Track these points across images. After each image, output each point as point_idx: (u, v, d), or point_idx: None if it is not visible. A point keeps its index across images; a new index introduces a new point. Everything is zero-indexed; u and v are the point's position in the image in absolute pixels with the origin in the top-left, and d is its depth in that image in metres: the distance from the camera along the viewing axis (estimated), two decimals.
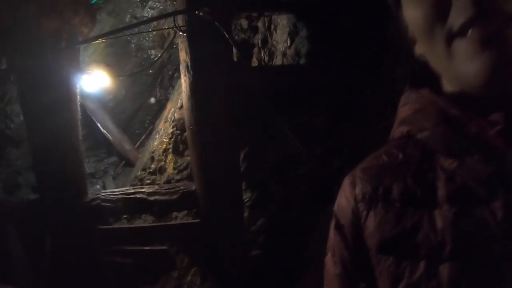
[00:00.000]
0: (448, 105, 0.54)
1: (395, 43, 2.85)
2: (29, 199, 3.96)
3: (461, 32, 0.49)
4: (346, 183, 0.65)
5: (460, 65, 0.50)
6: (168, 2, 6.04)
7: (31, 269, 3.96)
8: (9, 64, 4.02)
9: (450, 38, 0.50)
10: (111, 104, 6.56)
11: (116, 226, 3.93)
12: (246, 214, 3.57)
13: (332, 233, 0.66)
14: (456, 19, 0.49)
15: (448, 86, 0.58)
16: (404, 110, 0.63)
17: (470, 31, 0.48)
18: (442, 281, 0.50)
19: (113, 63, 6.15)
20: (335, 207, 0.66)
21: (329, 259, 0.67)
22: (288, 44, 3.69)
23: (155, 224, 4.03)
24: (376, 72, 3.11)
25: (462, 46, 0.49)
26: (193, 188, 3.40)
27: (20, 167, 5.71)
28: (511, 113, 0.50)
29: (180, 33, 2.93)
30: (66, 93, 3.40)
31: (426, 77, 0.61)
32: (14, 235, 3.87)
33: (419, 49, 0.61)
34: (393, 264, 0.54)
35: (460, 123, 0.52)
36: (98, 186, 6.03)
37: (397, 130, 0.64)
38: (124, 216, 4.41)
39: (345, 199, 0.64)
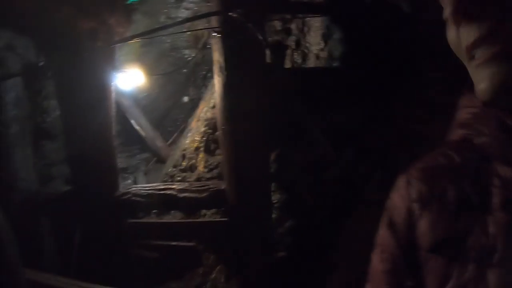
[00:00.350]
0: (505, 115, 0.55)
1: (425, 47, 2.80)
2: (62, 191, 4.08)
3: (470, 55, 0.54)
4: (401, 181, 0.65)
5: (475, 84, 0.54)
6: (203, 3, 6.11)
7: (61, 258, 4.10)
8: (47, 61, 4.17)
9: (469, 58, 0.54)
10: (145, 102, 6.70)
11: (145, 220, 4.01)
12: (274, 215, 3.58)
13: (382, 230, 0.67)
14: (465, 41, 0.53)
15: None
16: (462, 113, 0.63)
17: (476, 52, 0.53)
18: (490, 286, 0.50)
19: (148, 62, 6.27)
20: (388, 204, 0.67)
21: (376, 256, 0.67)
22: (322, 46, 3.68)
23: (183, 221, 4.08)
24: (406, 75, 3.05)
25: (472, 66, 0.54)
26: (223, 187, 3.43)
27: (54, 159, 5.90)
28: None
29: (214, 34, 2.96)
30: (102, 90, 3.51)
31: None
32: (46, 225, 4.02)
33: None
34: (442, 264, 0.55)
35: None
36: (129, 181, 6.16)
37: (455, 133, 0.63)
38: (154, 211, 4.50)
39: (400, 197, 0.64)
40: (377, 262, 0.67)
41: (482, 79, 0.52)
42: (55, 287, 1.80)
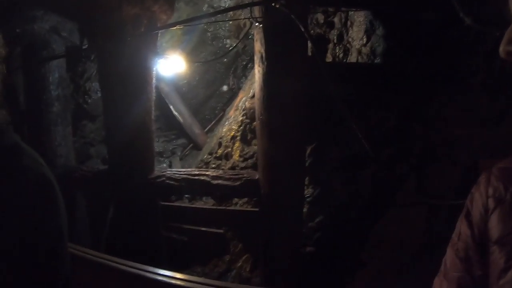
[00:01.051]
0: None
1: (472, 49, 2.69)
2: (98, 169, 4.22)
3: None
4: (482, 178, 0.71)
5: None
6: None
7: (92, 234, 4.26)
8: (90, 45, 4.30)
9: None
10: (184, 89, 6.81)
11: (177, 204, 4.09)
12: (305, 210, 3.57)
13: (461, 222, 0.73)
14: None
15: None
16: None
17: None
18: None
19: (189, 50, 6.36)
20: (469, 198, 0.73)
21: (452, 247, 0.74)
22: (364, 41, 3.60)
23: (215, 208, 4.14)
24: (452, 77, 2.95)
25: None
26: (257, 177, 3.43)
27: (93, 139, 6.12)
28: None
29: (256, 24, 2.95)
30: (143, 75, 3.58)
31: None
32: (81, 201, 4.18)
33: None
34: (503, 257, 0.61)
35: None
36: (164, 165, 6.31)
37: None
38: (186, 195, 4.58)
39: (479, 193, 0.70)
40: (452, 252, 0.72)
41: None
42: (89, 260, 1.88)
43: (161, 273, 1.98)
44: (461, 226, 0.71)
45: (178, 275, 1.98)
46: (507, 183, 0.64)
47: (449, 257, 0.72)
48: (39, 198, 1.01)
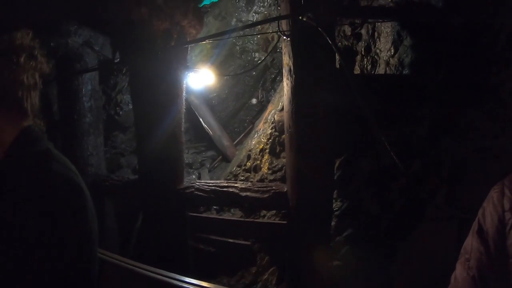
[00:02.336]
0: None
1: (504, 57, 2.62)
2: (128, 179, 4.30)
3: None
4: (495, 191, 0.69)
5: None
6: (273, 8, 6.19)
7: (120, 241, 4.34)
8: (122, 58, 4.43)
9: None
10: (214, 102, 6.92)
11: (205, 215, 4.12)
12: (333, 223, 3.53)
13: (472, 238, 0.70)
14: None
15: None
16: None
17: None
18: None
19: (218, 63, 6.48)
20: (480, 213, 0.71)
21: (462, 264, 0.70)
22: (392, 53, 3.58)
23: (243, 219, 4.15)
24: (482, 87, 2.88)
25: None
26: (285, 189, 3.43)
27: (124, 150, 6.29)
28: None
29: (284, 37, 2.98)
30: (173, 88, 3.66)
31: None
32: (110, 208, 4.27)
33: None
34: None
35: None
36: (193, 176, 6.39)
37: None
38: (214, 207, 4.62)
39: (492, 206, 0.68)
40: (462, 270, 0.70)
41: None
42: (117, 265, 1.94)
43: (188, 281, 2.01)
44: (473, 243, 0.66)
45: (204, 284, 2.01)
46: None
47: (460, 275, 0.68)
48: (67, 202, 1.07)
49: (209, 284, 2.10)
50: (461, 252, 0.68)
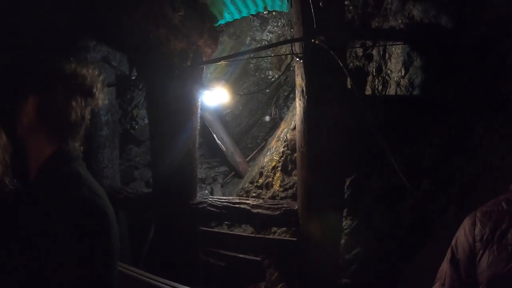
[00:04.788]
0: None
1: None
2: (142, 192, 4.38)
3: None
4: (467, 222, 0.73)
5: None
6: (286, 28, 6.31)
7: (132, 253, 4.40)
8: (138, 75, 4.56)
9: None
10: (227, 118, 7.03)
11: (216, 230, 4.18)
12: (343, 241, 3.56)
13: (446, 266, 0.74)
14: None
15: None
16: None
17: None
18: None
19: (232, 81, 6.60)
20: (453, 242, 0.75)
21: (439, 285, 0.73)
22: (402, 73, 3.64)
23: (253, 235, 4.20)
24: (492, 106, 2.92)
25: None
26: (296, 207, 3.48)
27: (138, 163, 6.40)
28: None
29: (297, 59, 3.07)
30: (189, 106, 3.77)
31: None
32: (123, 220, 4.35)
33: None
34: None
35: None
36: (206, 191, 6.47)
37: None
38: (226, 222, 4.68)
39: (464, 237, 0.72)
40: None
41: None
42: (129, 276, 2.02)
43: None
44: (446, 270, 0.71)
45: None
46: (492, 226, 0.66)
47: None
48: (91, 226, 1.13)
49: None
50: (437, 276, 0.74)
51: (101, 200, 1.21)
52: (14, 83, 1.30)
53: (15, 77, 1.31)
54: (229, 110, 6.98)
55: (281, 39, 6.22)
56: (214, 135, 6.69)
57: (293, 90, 6.68)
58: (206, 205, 3.73)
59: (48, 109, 1.25)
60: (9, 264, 1.14)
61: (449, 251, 0.71)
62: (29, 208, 1.19)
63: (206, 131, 6.60)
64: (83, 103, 1.29)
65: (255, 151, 6.84)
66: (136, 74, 4.69)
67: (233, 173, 6.73)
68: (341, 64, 2.83)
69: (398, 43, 3.56)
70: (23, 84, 1.27)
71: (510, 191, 0.70)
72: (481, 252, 0.65)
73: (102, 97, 1.35)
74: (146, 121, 5.68)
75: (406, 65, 3.61)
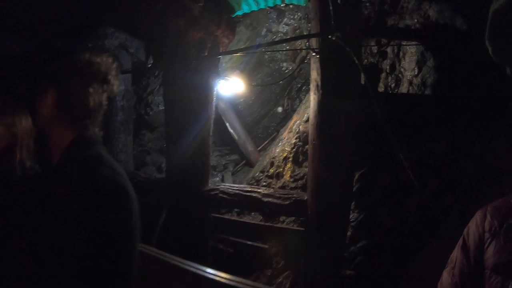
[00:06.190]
0: None
1: None
2: (155, 177, 4.46)
3: None
4: (478, 215, 0.85)
5: None
6: (302, 21, 6.33)
7: (143, 236, 4.52)
8: (155, 63, 4.63)
9: None
10: (240, 107, 7.10)
11: (227, 217, 4.28)
12: (349, 233, 3.64)
13: (457, 251, 0.86)
14: None
15: None
16: None
17: None
18: None
19: (246, 71, 6.65)
20: (465, 231, 0.88)
21: (448, 271, 0.85)
22: (415, 72, 3.68)
23: (262, 224, 4.29)
24: (504, 109, 2.96)
25: None
26: (305, 198, 3.56)
27: (150, 148, 6.51)
28: None
29: (313, 54, 3.13)
30: (205, 95, 3.85)
31: None
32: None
33: None
34: (500, 281, 0.75)
35: None
36: (217, 179, 6.57)
37: None
38: (236, 210, 4.77)
39: (475, 227, 0.84)
40: (447, 276, 0.85)
41: None
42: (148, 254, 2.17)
43: (208, 270, 2.22)
44: (457, 255, 0.81)
45: (222, 274, 2.21)
46: (500, 220, 0.76)
47: (445, 281, 0.82)
48: (114, 204, 1.19)
49: (225, 274, 2.31)
50: (448, 262, 0.84)
51: (124, 179, 1.26)
52: (30, 77, 1.32)
53: (31, 71, 1.32)
54: (242, 100, 7.05)
55: (297, 32, 6.24)
56: (227, 124, 6.77)
57: (306, 83, 6.72)
58: (218, 192, 3.82)
59: (67, 100, 1.29)
60: (33, 247, 1.19)
61: (461, 238, 0.82)
62: (53, 191, 1.23)
63: (218, 119, 6.67)
64: (99, 90, 1.33)
65: (266, 141, 6.91)
66: (153, 62, 4.77)
67: (244, 161, 6.82)
68: (356, 61, 2.89)
69: (413, 42, 3.59)
70: (40, 78, 1.31)
71: None
72: (489, 241, 0.76)
73: (117, 83, 1.39)
74: (161, 107, 5.78)
75: (420, 64, 3.65)
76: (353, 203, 3.67)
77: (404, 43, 3.79)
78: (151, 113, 6.34)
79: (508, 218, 0.75)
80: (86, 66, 1.31)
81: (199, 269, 2.27)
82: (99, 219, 1.14)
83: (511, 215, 0.76)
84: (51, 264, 1.15)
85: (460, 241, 0.81)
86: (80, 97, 1.30)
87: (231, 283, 2.22)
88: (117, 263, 1.18)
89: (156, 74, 5.85)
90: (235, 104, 7.00)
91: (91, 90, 1.31)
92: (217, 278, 2.24)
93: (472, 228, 0.81)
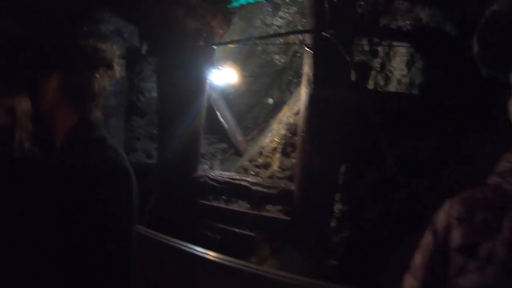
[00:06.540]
0: None
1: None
2: (146, 163, 4.48)
3: None
4: (448, 203, 0.98)
5: None
6: (297, 15, 6.38)
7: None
8: (150, 50, 4.66)
9: None
10: (230, 97, 7.12)
11: (215, 204, 4.35)
12: (333, 224, 3.75)
13: (427, 234, 0.98)
14: None
15: None
16: (502, 165, 0.93)
17: None
18: (490, 275, 0.81)
19: (239, 61, 6.68)
20: (435, 217, 0.98)
21: (419, 252, 0.99)
22: (404, 72, 3.79)
23: (249, 211, 4.38)
24: (490, 111, 3.07)
25: None
26: (292, 188, 3.67)
27: (140, 134, 6.50)
28: None
29: (307, 49, 3.23)
30: (198, 84, 3.92)
31: None
32: None
33: None
34: (462, 260, 0.86)
35: None
36: (206, 166, 6.62)
37: (493, 179, 0.91)
38: (223, 197, 4.85)
39: (444, 213, 0.96)
40: (419, 257, 0.98)
41: None
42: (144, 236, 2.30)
43: (198, 249, 2.51)
44: (427, 237, 0.94)
45: (211, 252, 2.48)
46: (466, 208, 0.89)
47: (417, 260, 0.95)
48: (117, 185, 1.24)
49: (213, 252, 2.44)
50: (419, 244, 0.96)
51: (126, 162, 1.30)
52: (36, 60, 1.34)
53: (37, 53, 1.34)
54: (233, 90, 7.07)
55: (291, 26, 6.30)
56: (218, 113, 6.79)
57: (296, 76, 6.78)
58: (207, 179, 3.91)
59: (73, 84, 1.31)
60: (37, 229, 1.21)
61: (431, 223, 0.95)
62: (56, 172, 1.25)
63: (208, 108, 6.67)
64: (104, 75, 1.35)
65: (255, 131, 6.96)
66: (147, 49, 4.79)
67: (232, 150, 6.87)
68: (348, 58, 3.00)
69: (404, 43, 3.71)
70: (46, 61, 1.32)
71: (485, 185, 0.93)
72: (455, 226, 0.88)
73: (119, 69, 1.41)
74: (153, 94, 5.79)
75: (409, 64, 3.75)
76: (338, 195, 3.77)
77: (395, 44, 3.90)
78: (142, 99, 6.33)
79: (473, 207, 0.87)
80: (92, 52, 1.33)
81: (190, 248, 2.40)
82: (104, 199, 1.18)
83: (476, 205, 0.87)
84: (53, 246, 1.18)
85: (430, 226, 0.94)
86: (86, 82, 1.32)
87: (220, 261, 2.39)
88: (121, 242, 1.22)
89: (149, 60, 5.85)
90: (226, 94, 7.02)
91: (97, 75, 1.33)
92: (207, 256, 2.37)
93: (441, 214, 0.93)
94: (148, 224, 4.16)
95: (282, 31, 6.27)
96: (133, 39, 5.06)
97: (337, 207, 3.84)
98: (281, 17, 6.65)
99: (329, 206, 3.53)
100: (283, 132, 4.78)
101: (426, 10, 3.52)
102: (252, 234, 4.28)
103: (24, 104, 1.40)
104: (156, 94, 4.82)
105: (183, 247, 2.44)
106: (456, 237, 0.87)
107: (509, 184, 0.86)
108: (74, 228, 1.15)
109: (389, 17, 3.96)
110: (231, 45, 6.49)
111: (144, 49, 5.19)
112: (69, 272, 1.17)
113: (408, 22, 3.71)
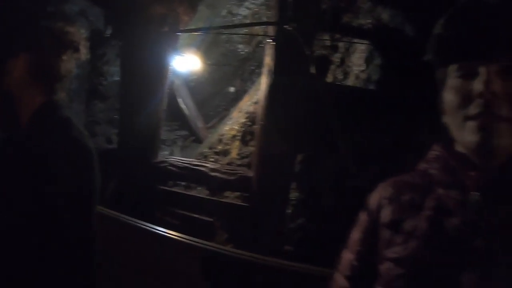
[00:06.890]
0: (451, 159, 0.94)
1: None
2: (107, 148, 4.45)
3: (472, 118, 0.87)
4: (380, 185, 1.07)
5: (466, 136, 0.88)
6: (263, 7, 6.45)
7: None
8: (114, 33, 4.60)
9: (465, 119, 0.88)
10: (192, 84, 7.14)
11: (174, 189, 4.39)
12: (289, 211, 3.87)
13: (362, 213, 1.07)
14: (472, 110, 0.86)
15: (458, 147, 0.96)
16: (429, 154, 1.04)
17: (476, 119, 0.86)
18: (411, 247, 0.90)
19: (202, 49, 6.69)
20: (369, 198, 1.07)
21: (355, 229, 1.08)
22: (363, 68, 3.95)
23: (208, 197, 4.45)
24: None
25: (469, 126, 0.87)
26: (250, 175, 3.76)
27: (101, 119, 6.39)
28: (483, 172, 0.89)
29: (269, 40, 3.31)
30: (162, 69, 3.93)
31: (448, 138, 0.98)
32: None
33: (446, 118, 0.97)
34: (389, 234, 0.95)
35: (454, 171, 0.93)
36: (166, 152, 6.61)
37: (421, 165, 1.03)
38: (183, 183, 4.89)
39: (376, 193, 1.05)
40: (355, 233, 1.08)
41: (473, 136, 0.86)
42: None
43: (159, 228, 2.66)
44: (361, 216, 1.06)
45: (172, 231, 2.63)
46: (396, 189, 1.00)
47: (353, 236, 1.06)
48: (82, 164, 1.27)
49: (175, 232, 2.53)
50: (355, 222, 1.09)
51: (90, 142, 1.33)
52: (3, 40, 1.30)
53: (3, 33, 1.30)
54: (195, 77, 7.09)
55: (256, 16, 6.37)
56: (179, 100, 6.79)
57: (259, 66, 6.84)
58: (167, 164, 3.93)
59: (40, 66, 1.31)
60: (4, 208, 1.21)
61: (364, 204, 1.06)
62: (22, 152, 1.26)
63: (170, 94, 6.65)
64: (71, 58, 1.37)
65: (216, 119, 7.02)
66: (111, 32, 4.72)
67: (193, 137, 6.90)
68: (308, 52, 3.12)
69: (364, 41, 3.87)
70: (12, 42, 1.30)
71: (414, 170, 1.05)
72: (385, 204, 0.99)
73: (85, 52, 1.43)
74: (115, 78, 5.70)
75: (368, 61, 3.92)
76: (294, 182, 3.91)
77: (356, 41, 4.05)
78: (105, 83, 6.22)
79: (402, 189, 0.97)
80: (60, 34, 1.34)
81: (151, 228, 2.47)
82: (70, 175, 1.21)
83: (404, 187, 0.98)
84: (18, 227, 1.18)
85: (365, 205, 1.06)
86: (53, 64, 1.33)
87: (180, 239, 2.57)
88: (85, 222, 1.26)
89: (112, 44, 5.74)
90: (188, 81, 7.02)
91: (64, 57, 1.35)
92: (168, 235, 2.56)
93: (374, 195, 1.04)
94: (107, 208, 4.14)
95: (248, 21, 6.32)
96: (98, 21, 4.96)
97: (294, 195, 3.97)
98: (247, 8, 6.69)
99: (285, 193, 3.65)
100: (242, 120, 4.86)
101: (387, 10, 3.68)
102: (210, 219, 4.35)
103: None
104: (118, 78, 4.75)
105: (143, 226, 2.50)
106: (386, 214, 0.97)
107: (433, 169, 0.96)
108: (37, 206, 1.17)
109: (351, 15, 4.11)
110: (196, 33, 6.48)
111: (109, 32, 5.10)
112: (30, 248, 1.19)
113: (369, 21, 3.86)
